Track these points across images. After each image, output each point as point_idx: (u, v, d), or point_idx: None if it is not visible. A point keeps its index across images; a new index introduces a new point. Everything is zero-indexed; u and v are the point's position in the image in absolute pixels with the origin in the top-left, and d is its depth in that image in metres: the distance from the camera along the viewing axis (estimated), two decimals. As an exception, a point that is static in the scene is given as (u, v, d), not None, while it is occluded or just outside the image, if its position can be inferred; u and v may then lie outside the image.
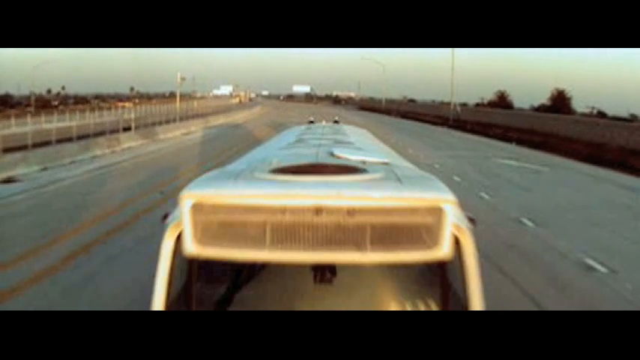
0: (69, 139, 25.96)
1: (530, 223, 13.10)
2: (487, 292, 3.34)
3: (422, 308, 3.75)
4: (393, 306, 3.79)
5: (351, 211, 3.16)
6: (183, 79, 57.84)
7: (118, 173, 20.21)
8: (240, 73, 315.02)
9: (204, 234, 3.20)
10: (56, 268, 9.17)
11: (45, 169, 20.26)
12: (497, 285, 8.22)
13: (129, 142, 29.37)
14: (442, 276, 3.51)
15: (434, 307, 3.66)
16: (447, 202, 3.26)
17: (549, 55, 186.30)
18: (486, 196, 16.37)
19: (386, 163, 4.54)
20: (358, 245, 3.16)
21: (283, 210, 3.16)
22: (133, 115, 35.00)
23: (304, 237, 3.15)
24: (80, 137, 27.30)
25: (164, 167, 21.62)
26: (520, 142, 36.42)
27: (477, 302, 3.23)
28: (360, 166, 4.08)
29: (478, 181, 19.46)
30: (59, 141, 25.54)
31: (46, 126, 31.06)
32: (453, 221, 3.23)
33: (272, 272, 3.78)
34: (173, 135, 36.73)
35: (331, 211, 3.15)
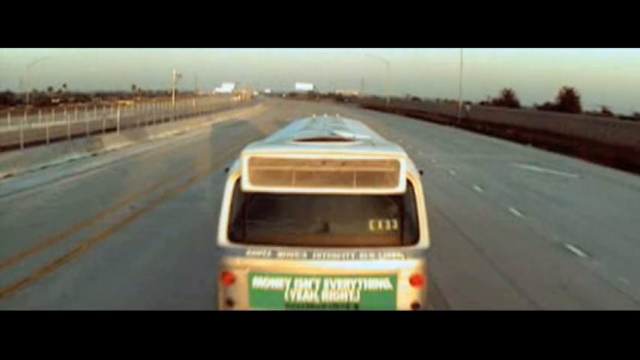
0: (44, 142, 23.52)
1: (578, 252, 10.57)
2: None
3: (387, 223, 5.57)
4: (371, 223, 5.57)
5: (344, 163, 5.40)
6: (179, 75, 55.51)
7: (89, 181, 17.72)
8: (242, 71, 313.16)
9: (255, 177, 5.36)
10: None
11: (9, 176, 17.81)
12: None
13: (113, 143, 26.87)
14: (400, 203, 5.56)
15: (395, 222, 5.56)
16: (402, 157, 5.43)
17: (551, 53, 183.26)
18: (517, 212, 13.84)
19: (367, 138, 7.16)
20: (348, 183, 5.36)
21: (303, 162, 5.39)
22: (118, 115, 32.44)
23: (315, 178, 5.38)
24: (59, 139, 24.93)
25: (143, 175, 19.15)
26: (536, 143, 33.83)
27: (422, 219, 5.52)
28: (350, 138, 6.47)
29: (503, 192, 16.94)
30: (37, 143, 23.16)
31: (34, 125, 28.84)
32: (407, 170, 5.43)
33: (296, 204, 5.56)
34: (164, 135, 34.24)
35: (332, 162, 5.38)
